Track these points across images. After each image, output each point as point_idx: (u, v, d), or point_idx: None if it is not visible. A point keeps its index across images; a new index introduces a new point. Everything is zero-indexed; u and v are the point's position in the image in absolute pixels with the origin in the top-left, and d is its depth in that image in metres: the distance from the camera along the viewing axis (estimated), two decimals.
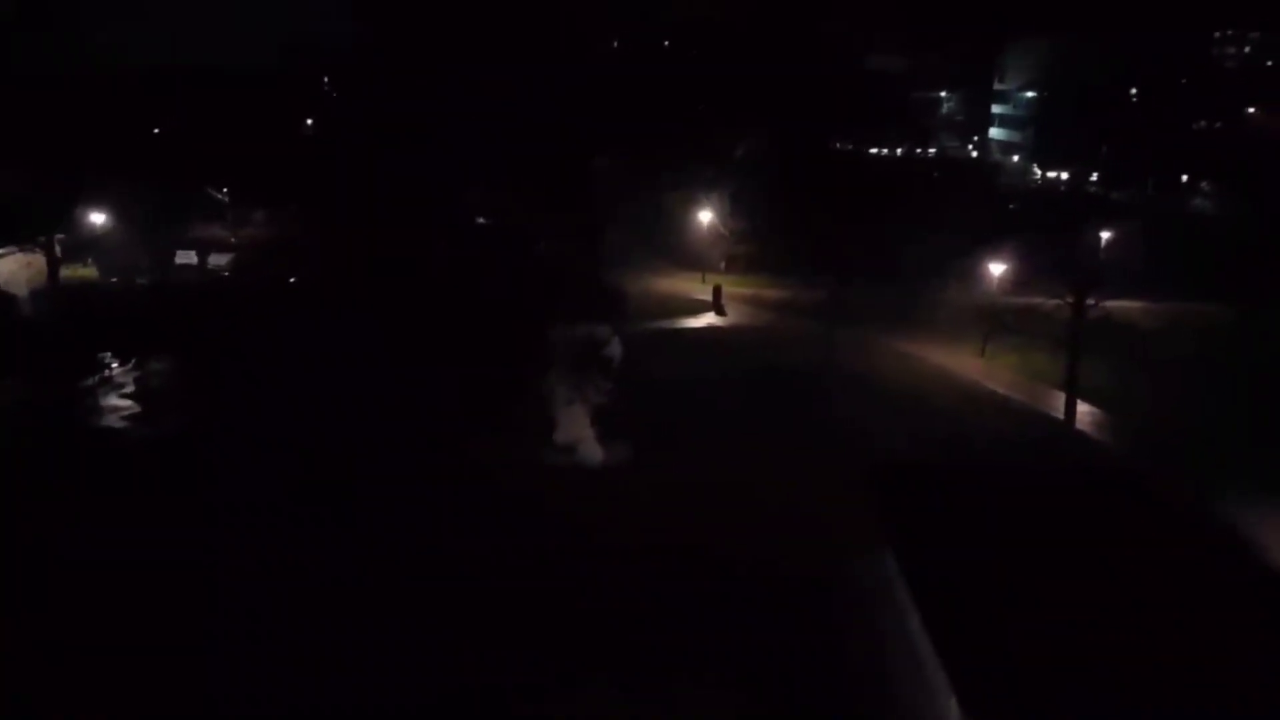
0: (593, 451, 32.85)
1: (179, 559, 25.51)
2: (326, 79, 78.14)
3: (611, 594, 24.72)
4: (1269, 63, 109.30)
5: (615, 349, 35.27)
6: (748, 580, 25.57)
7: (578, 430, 33.17)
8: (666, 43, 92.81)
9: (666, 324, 50.48)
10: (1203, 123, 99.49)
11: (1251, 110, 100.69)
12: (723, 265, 59.92)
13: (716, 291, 54.17)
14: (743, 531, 27.90)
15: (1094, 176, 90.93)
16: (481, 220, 49.85)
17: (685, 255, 60.41)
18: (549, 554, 26.53)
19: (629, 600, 24.47)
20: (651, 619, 23.75)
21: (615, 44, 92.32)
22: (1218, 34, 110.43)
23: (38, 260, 51.80)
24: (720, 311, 53.06)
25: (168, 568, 25.16)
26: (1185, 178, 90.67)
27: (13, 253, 51.63)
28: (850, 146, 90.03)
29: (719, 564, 26.20)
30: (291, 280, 48.30)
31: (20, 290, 49.05)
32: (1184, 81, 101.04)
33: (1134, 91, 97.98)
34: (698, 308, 53.99)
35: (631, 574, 25.53)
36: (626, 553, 26.55)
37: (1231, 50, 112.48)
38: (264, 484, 29.50)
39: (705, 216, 60.57)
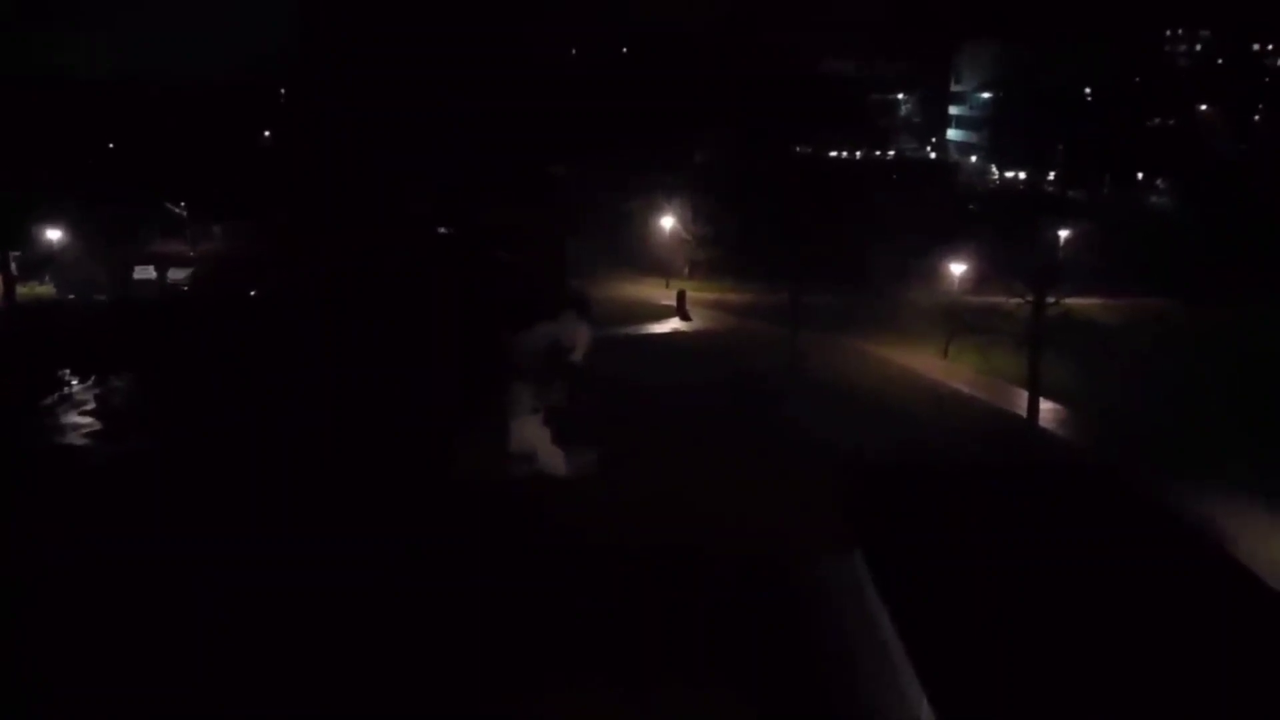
0: (556, 460, 32.77)
1: (141, 572, 25.29)
2: (283, 90, 77.35)
3: (576, 600, 24.79)
4: (1219, 60, 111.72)
5: (584, 339, 35.19)
6: (717, 586, 25.64)
7: (541, 439, 33.07)
8: (625, 49, 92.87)
9: (632, 330, 50.64)
10: (1156, 120, 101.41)
11: (1204, 108, 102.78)
12: (686, 271, 60.23)
13: (681, 297, 54.44)
14: (713, 536, 27.96)
15: (1051, 175, 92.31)
16: (443, 230, 49.69)
17: (649, 261, 60.68)
18: (501, 562, 26.53)
19: (596, 605, 24.55)
20: (620, 625, 23.86)
21: (573, 51, 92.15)
22: (1169, 33, 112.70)
23: None
24: (685, 317, 53.31)
25: (130, 581, 24.97)
26: (1141, 175, 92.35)
27: None
28: (809, 150, 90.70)
29: (686, 569, 26.23)
30: (251, 293, 47.81)
31: None
32: (1137, 80, 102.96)
33: (1088, 91, 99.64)
34: (662, 313, 54.23)
35: (596, 580, 25.60)
36: (589, 560, 26.58)
37: (1183, 49, 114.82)
38: (224, 496, 29.25)
39: (668, 222, 60.84)
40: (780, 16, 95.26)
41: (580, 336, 36.13)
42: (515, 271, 38.20)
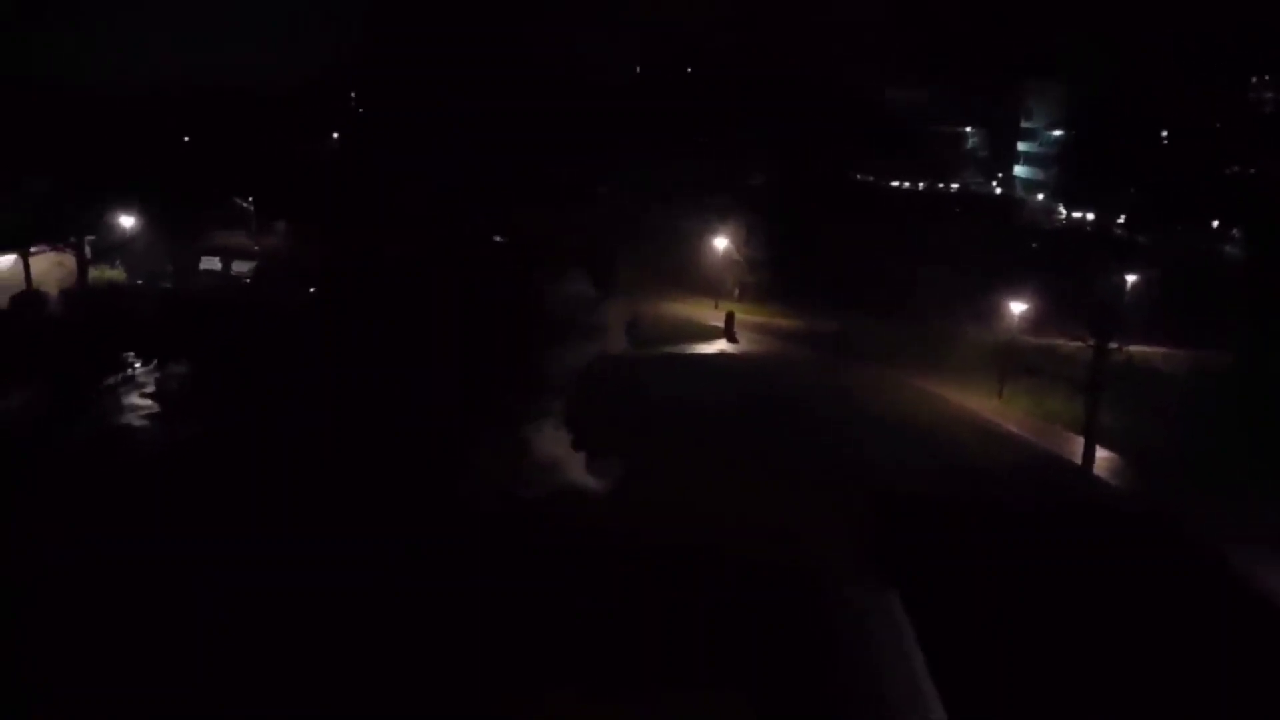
0: (580, 472, 32.62)
1: (185, 557, 25.89)
2: (353, 94, 79.22)
3: (575, 602, 25.02)
4: None
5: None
6: (747, 611, 25.45)
7: (567, 450, 33.03)
8: (689, 69, 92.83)
9: (677, 349, 50.56)
10: (1235, 168, 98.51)
11: None
12: (736, 293, 59.88)
13: (729, 319, 54.16)
14: (738, 552, 27.81)
15: (1121, 218, 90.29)
16: (498, 239, 50.27)
17: (698, 282, 60.48)
18: (508, 565, 26.71)
19: (619, 623, 24.51)
20: (644, 640, 23.82)
21: (637, 69, 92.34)
22: (1254, 79, 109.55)
23: (69, 260, 52.73)
24: (732, 339, 53.03)
25: (172, 566, 25.58)
26: (1215, 223, 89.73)
27: (45, 252, 52.54)
28: (870, 179, 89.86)
29: (716, 595, 26.07)
30: (311, 290, 48.81)
31: (51, 289, 49.95)
32: (1217, 125, 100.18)
33: (1165, 134, 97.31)
34: (709, 334, 53.94)
35: (603, 584, 25.79)
36: (595, 563, 26.81)
37: (1269, 96, 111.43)
38: (272, 486, 29.88)
39: (719, 244, 60.69)
40: (840, 41, 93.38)
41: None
42: (563, 286, 38.54)
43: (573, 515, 29.84)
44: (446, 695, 21.72)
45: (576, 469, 32.51)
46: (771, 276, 58.65)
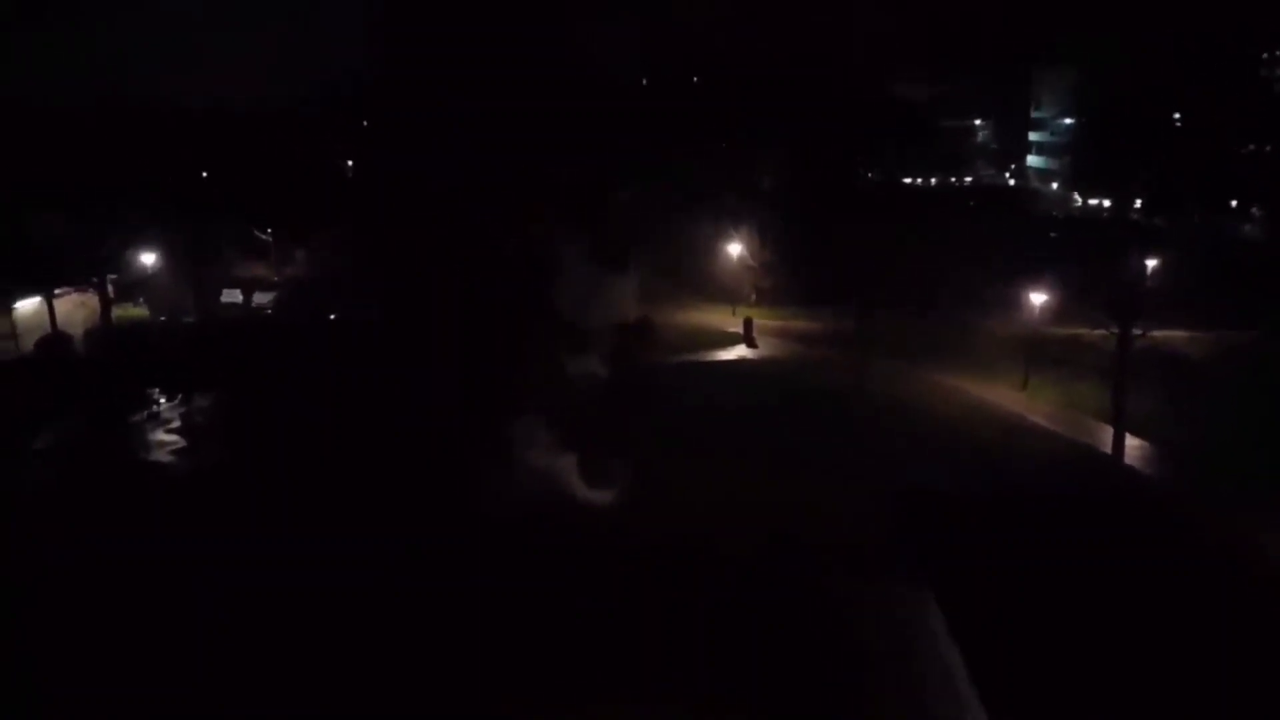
0: (576, 480, 32.53)
1: (213, 585, 26.07)
2: (366, 121, 79.69)
3: (577, 602, 25.10)
4: None
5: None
6: (776, 612, 25.37)
7: (568, 458, 32.99)
8: (695, 78, 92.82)
9: (697, 357, 50.47)
10: (1251, 146, 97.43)
11: None
12: (752, 297, 59.72)
13: (747, 324, 54.02)
14: (763, 559, 27.80)
15: (1137, 204, 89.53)
16: (513, 249, 50.37)
17: (714, 288, 60.39)
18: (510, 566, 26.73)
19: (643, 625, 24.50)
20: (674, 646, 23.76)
21: (644, 81, 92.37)
22: (1266, 55, 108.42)
23: (91, 301, 53.43)
24: (751, 344, 52.89)
25: (200, 592, 25.84)
26: (1234, 204, 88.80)
27: (68, 293, 53.27)
28: (882, 176, 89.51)
29: (751, 596, 26.02)
30: (332, 317, 49.25)
31: (75, 330, 50.60)
32: (1230, 105, 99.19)
33: (1177, 116, 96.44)
34: (728, 340, 53.89)
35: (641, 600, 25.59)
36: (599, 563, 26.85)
37: None
38: (298, 512, 30.05)
39: (734, 249, 60.61)
40: (846, 38, 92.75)
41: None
42: (579, 295, 38.63)
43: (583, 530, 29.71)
44: (447, 696, 21.81)
45: (582, 488, 32.39)
46: (788, 279, 58.47)
